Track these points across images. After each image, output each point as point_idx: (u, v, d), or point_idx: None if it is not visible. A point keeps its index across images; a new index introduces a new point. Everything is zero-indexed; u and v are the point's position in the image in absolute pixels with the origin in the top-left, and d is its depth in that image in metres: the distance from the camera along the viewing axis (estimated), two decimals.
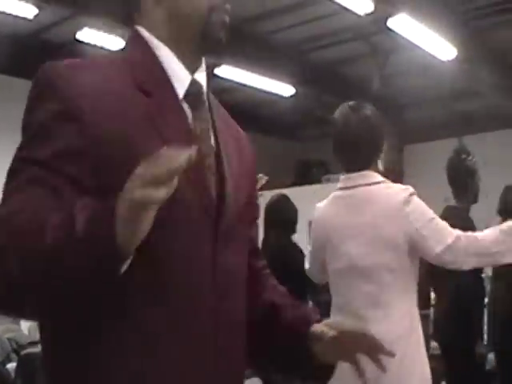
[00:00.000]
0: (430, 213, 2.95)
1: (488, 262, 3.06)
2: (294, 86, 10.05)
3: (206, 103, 1.54)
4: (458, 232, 2.92)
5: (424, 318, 4.19)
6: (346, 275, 2.98)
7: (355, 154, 3.06)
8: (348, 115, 3.08)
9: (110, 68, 1.44)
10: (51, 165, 1.33)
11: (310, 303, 5.36)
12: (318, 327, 1.59)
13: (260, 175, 3.54)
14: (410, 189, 2.96)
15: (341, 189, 3.09)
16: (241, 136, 1.68)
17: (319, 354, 1.57)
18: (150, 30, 1.51)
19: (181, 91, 1.47)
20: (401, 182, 3.10)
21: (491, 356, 5.53)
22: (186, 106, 1.47)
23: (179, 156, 1.13)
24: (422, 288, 3.10)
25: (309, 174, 12.25)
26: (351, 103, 3.14)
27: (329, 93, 10.53)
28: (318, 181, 11.07)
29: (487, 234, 2.94)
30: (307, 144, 13.34)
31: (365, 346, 1.54)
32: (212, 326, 1.41)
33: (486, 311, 5.30)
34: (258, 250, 1.78)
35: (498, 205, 5.95)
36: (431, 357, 3.48)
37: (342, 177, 3.13)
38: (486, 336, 5.24)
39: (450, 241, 2.87)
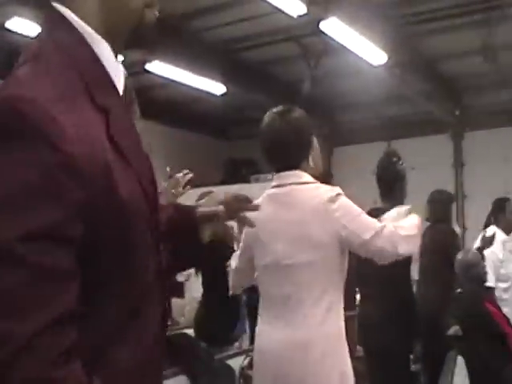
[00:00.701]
0: (358, 209, 3.01)
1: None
2: (225, 85, 10.03)
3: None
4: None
5: (350, 320, 4.24)
6: (272, 272, 3.00)
7: (282, 156, 3.12)
8: (275, 119, 3.13)
9: (64, 83, 1.27)
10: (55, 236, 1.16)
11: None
12: (202, 210, 1.75)
13: (184, 171, 3.58)
14: (338, 189, 3.02)
15: (274, 187, 3.12)
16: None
17: (207, 234, 1.74)
18: (79, 17, 1.39)
19: (120, 89, 1.42)
20: (329, 184, 3.14)
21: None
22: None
23: None
24: (347, 289, 3.12)
25: (238, 172, 12.27)
26: (279, 107, 3.19)
27: (260, 93, 10.56)
28: (246, 180, 11.09)
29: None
30: (237, 143, 13.34)
31: (234, 209, 1.74)
32: (162, 327, 1.47)
33: None
34: None
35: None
36: (357, 358, 3.52)
37: (275, 175, 3.16)
38: None
39: (378, 228, 2.94)
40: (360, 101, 11.44)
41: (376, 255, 3.00)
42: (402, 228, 2.99)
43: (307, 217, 2.96)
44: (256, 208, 1.73)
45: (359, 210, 3.01)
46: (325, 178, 3.33)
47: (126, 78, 1.46)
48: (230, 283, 3.42)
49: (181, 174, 3.50)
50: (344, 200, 2.99)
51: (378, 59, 8.69)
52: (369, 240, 2.91)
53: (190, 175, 3.53)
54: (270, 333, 3.01)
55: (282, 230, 3.01)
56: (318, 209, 2.95)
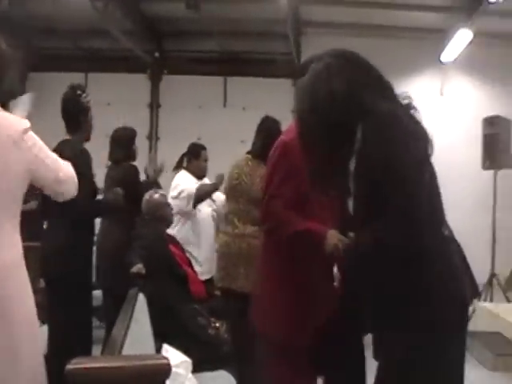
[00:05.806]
0: (45, 146, 3.07)
1: None
2: None
3: None
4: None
5: (34, 250, 4.20)
6: None
7: None
8: None
9: None
10: None
11: None
12: None
13: None
14: (28, 122, 3.01)
15: None
16: None
17: None
18: None
19: None
20: None
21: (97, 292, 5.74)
22: None
23: None
24: (31, 219, 3.12)
25: None
26: None
27: None
28: None
29: None
30: None
31: None
32: None
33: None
34: None
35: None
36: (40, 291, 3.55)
37: None
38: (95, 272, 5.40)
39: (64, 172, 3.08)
40: (60, 28, 11.08)
41: (57, 195, 3.14)
42: None
43: None
44: None
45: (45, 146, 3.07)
46: None
47: None
48: None
49: None
50: (33, 135, 3.00)
51: None
52: (61, 179, 3.06)
53: None
54: None
55: None
56: (9, 138, 2.90)
